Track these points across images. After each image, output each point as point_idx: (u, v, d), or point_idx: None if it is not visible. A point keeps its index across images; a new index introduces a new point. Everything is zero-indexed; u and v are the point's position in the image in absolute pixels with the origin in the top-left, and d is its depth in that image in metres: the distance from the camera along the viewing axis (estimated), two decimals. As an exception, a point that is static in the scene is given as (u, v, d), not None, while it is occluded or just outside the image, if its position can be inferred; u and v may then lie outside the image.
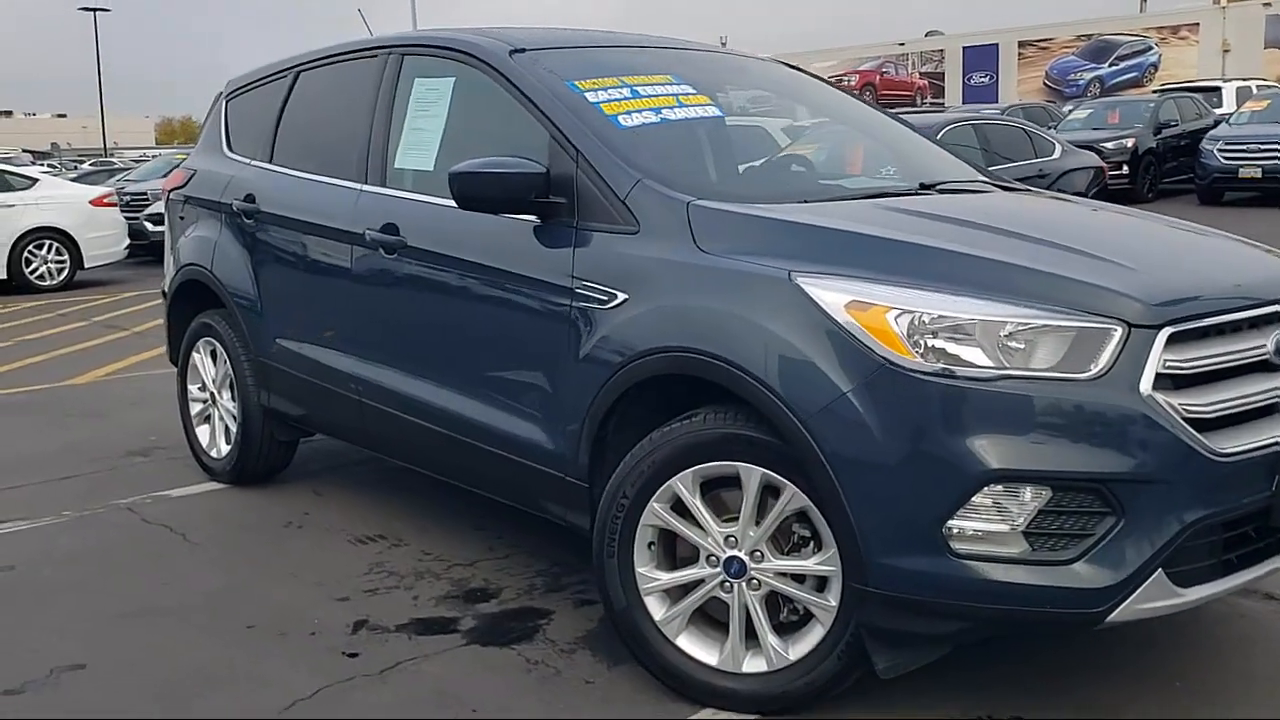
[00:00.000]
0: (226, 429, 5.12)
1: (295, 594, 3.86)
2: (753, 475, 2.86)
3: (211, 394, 5.16)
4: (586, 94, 3.59)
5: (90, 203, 13.82)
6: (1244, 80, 25.95)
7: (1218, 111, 22.59)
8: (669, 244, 3.08)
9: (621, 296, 3.12)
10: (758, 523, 2.89)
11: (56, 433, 6.27)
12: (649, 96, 3.67)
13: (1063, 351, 2.57)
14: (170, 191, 5.44)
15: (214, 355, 5.13)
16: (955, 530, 2.56)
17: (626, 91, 3.66)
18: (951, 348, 2.59)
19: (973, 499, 2.54)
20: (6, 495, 5.05)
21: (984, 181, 3.91)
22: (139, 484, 5.18)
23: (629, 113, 3.55)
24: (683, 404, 3.06)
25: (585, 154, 3.35)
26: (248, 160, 4.96)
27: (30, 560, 4.24)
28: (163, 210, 15.66)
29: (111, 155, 55.54)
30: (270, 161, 4.83)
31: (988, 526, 2.56)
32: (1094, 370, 2.55)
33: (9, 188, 13.43)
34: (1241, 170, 18.10)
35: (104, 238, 13.85)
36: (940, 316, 2.60)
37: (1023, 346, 2.58)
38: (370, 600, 3.78)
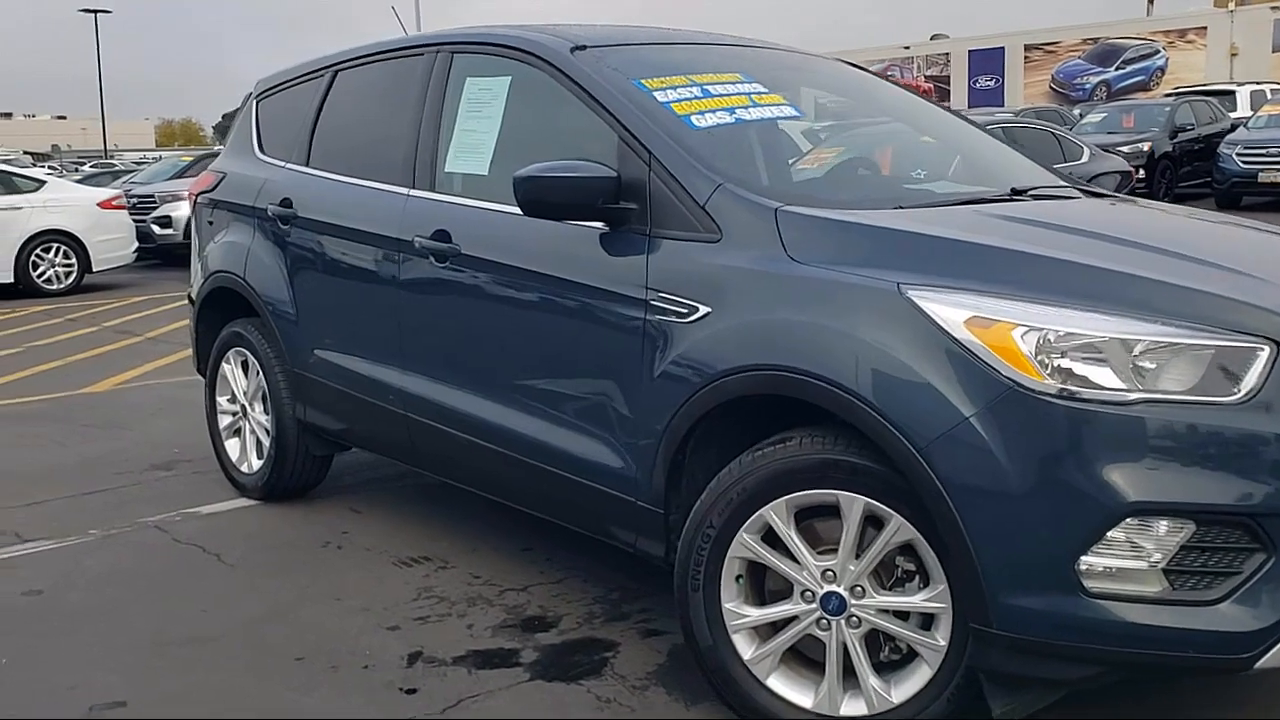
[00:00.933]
0: (258, 443, 4.91)
1: (342, 621, 3.65)
2: (854, 505, 2.65)
3: (242, 406, 4.95)
4: (655, 93, 3.38)
5: (98, 205, 13.61)
6: (1258, 84, 25.77)
7: (1233, 115, 22.42)
8: (757, 253, 2.87)
9: (704, 309, 2.91)
10: (858, 556, 2.68)
11: (75, 444, 6.05)
12: (720, 96, 3.46)
13: (1202, 372, 2.36)
14: (198, 195, 5.23)
15: (245, 366, 4.92)
16: (1088, 568, 2.36)
17: (696, 90, 3.45)
18: (1080, 368, 2.38)
19: (1108, 534, 2.33)
20: (29, 512, 4.84)
21: (1070, 186, 3.70)
22: (166, 500, 4.96)
23: (701, 113, 3.34)
24: (768, 425, 2.85)
25: (659, 157, 3.14)
26: (282, 163, 4.75)
27: (58, 583, 4.03)
28: (168, 214, 15.52)
29: (112, 157, 55.39)
30: (307, 164, 4.62)
31: (1124, 564, 2.35)
32: (1240, 393, 2.34)
33: (16, 190, 13.22)
34: (1261, 175, 17.92)
35: (112, 241, 13.64)
36: (1071, 334, 2.39)
37: (1156, 367, 2.37)
38: (423, 629, 3.57)
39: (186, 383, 7.59)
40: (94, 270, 13.51)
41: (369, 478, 5.25)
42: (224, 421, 5.09)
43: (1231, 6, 40.21)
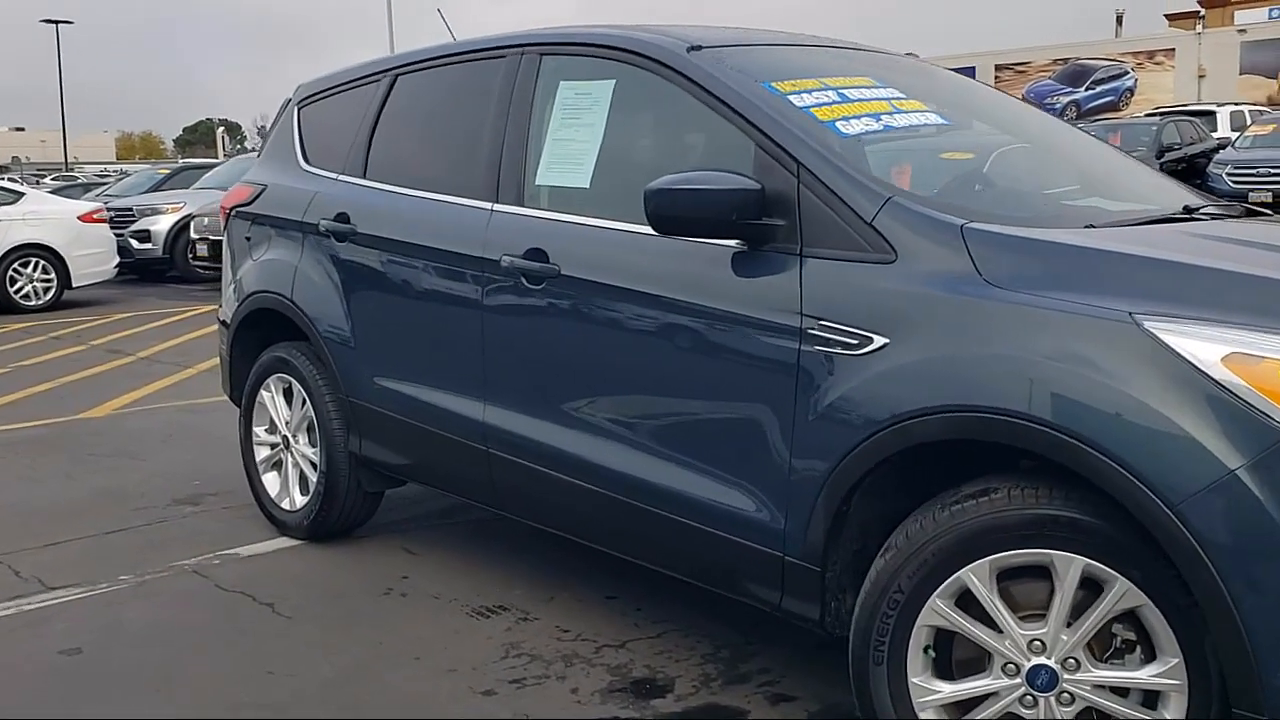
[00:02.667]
0: (302, 478, 4.51)
1: (429, 685, 3.27)
2: (1071, 566, 2.31)
3: (284, 438, 4.55)
4: (790, 97, 3.05)
5: (79, 219, 13.08)
6: (1236, 105, 25.91)
7: (1215, 135, 22.47)
8: (943, 276, 2.54)
9: (879, 340, 2.57)
10: (1070, 624, 2.35)
11: (85, 475, 5.62)
12: (859, 101, 3.14)
13: None
14: (232, 209, 4.83)
15: (288, 394, 4.52)
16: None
17: (832, 95, 3.13)
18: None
19: None
20: (52, 555, 4.41)
21: (1227, 205, 3.40)
22: (199, 540, 4.55)
23: (845, 119, 3.01)
24: (951, 470, 2.52)
25: (810, 167, 2.80)
26: (334, 175, 4.37)
27: (97, 640, 3.62)
28: (147, 227, 14.98)
29: (72, 170, 54.39)
30: (364, 176, 4.24)
31: None
32: None
33: (-7, 203, 12.69)
34: (1252, 195, 17.85)
35: (93, 255, 13.12)
36: None
37: None
38: (522, 694, 3.20)
39: (192, 407, 7.20)
40: (74, 286, 12.98)
41: (414, 514, 4.87)
42: (261, 453, 4.68)
43: (1199, 29, 40.58)
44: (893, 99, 3.22)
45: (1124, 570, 2.27)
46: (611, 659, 3.41)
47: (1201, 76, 37.48)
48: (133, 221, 15.82)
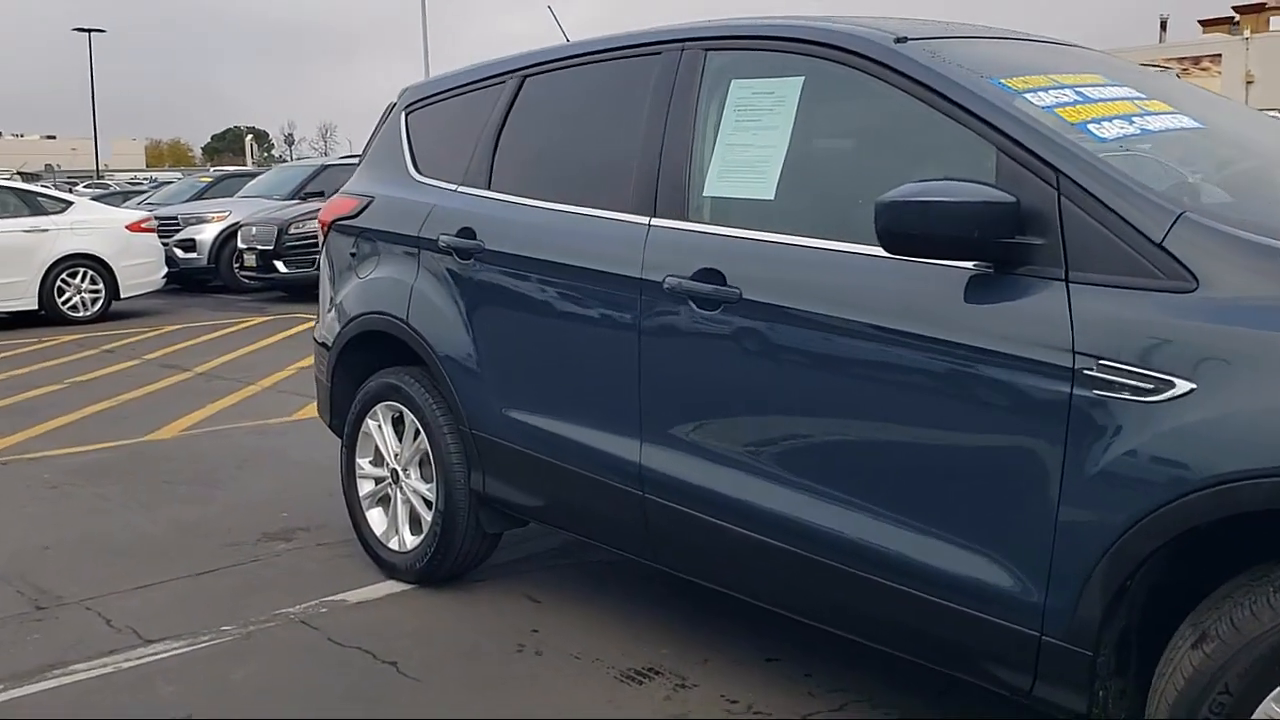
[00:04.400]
0: (413, 515, 4.11)
1: (596, 769, 2.86)
2: None
3: (393, 471, 4.16)
4: (1026, 95, 2.63)
5: (127, 228, 12.77)
6: (1294, 110, 25.28)
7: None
8: (1259, 308, 2.11)
9: (1183, 386, 2.14)
10: None
11: (162, 506, 5.24)
12: (1101, 101, 2.71)
13: None
14: (334, 223, 4.44)
15: (398, 423, 4.13)
16: None
17: (1070, 93, 2.71)
18: None
19: None
20: (142, 600, 4.03)
21: None
22: (300, 583, 4.16)
23: (1096, 120, 2.59)
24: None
25: (1073, 177, 2.38)
26: (451, 186, 3.98)
27: (210, 705, 3.23)
28: (192, 236, 14.71)
29: (103, 177, 54.46)
30: (488, 187, 3.84)
31: None
32: None
33: (41, 211, 12.39)
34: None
35: (141, 265, 12.81)
36: None
37: None
38: (706, 781, 2.78)
39: (263, 429, 6.84)
40: (122, 297, 12.66)
41: (527, 553, 4.46)
42: (365, 488, 4.29)
43: (1247, 33, 39.89)
44: (1134, 99, 2.79)
45: None
46: (796, 736, 2.99)
47: (1249, 82, 36.82)
48: (177, 230, 15.54)
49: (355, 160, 18.10)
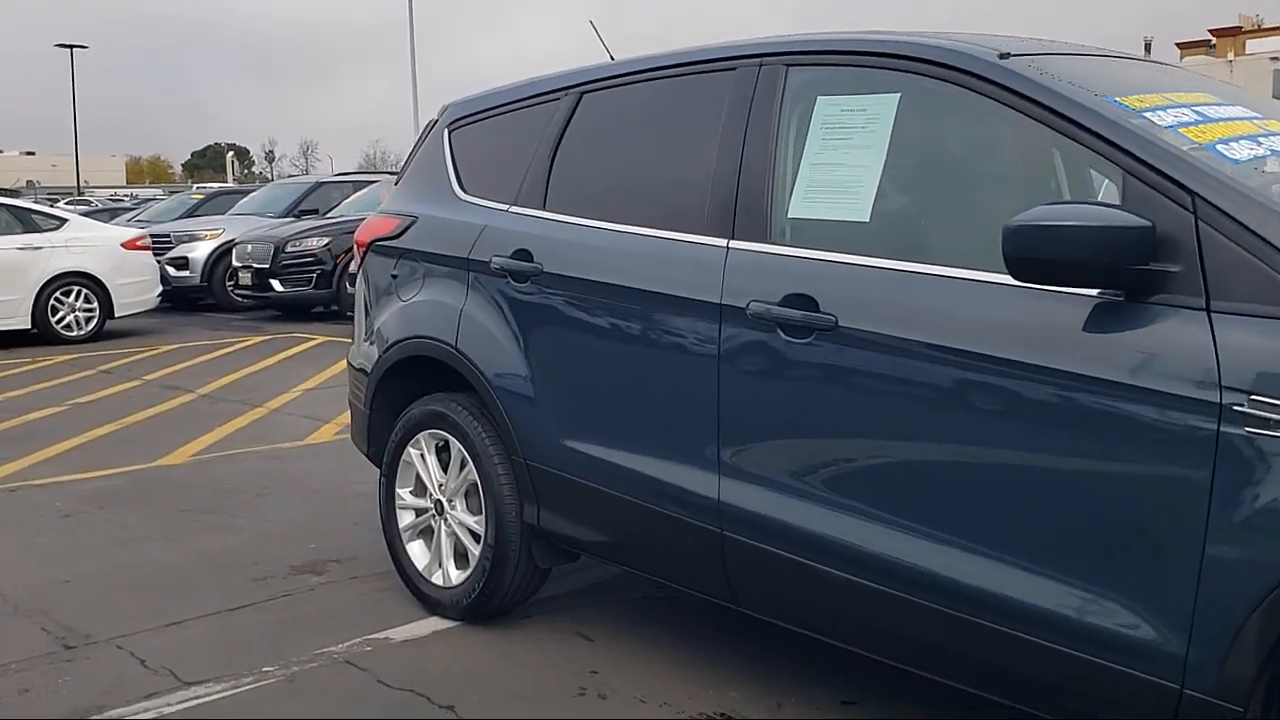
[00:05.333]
0: (457, 549, 3.94)
1: (684, 825, 2.69)
2: None
3: (437, 503, 3.99)
4: (1146, 114, 2.50)
5: (122, 245, 12.56)
6: None
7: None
8: None
9: (1348, 424, 2.00)
10: None
11: (183, 536, 5.05)
12: (1222, 121, 2.59)
13: None
14: (373, 243, 4.28)
15: (442, 452, 3.96)
16: None
17: (1189, 113, 2.58)
18: None
19: None
20: (174, 639, 3.84)
21: None
22: (339, 620, 3.98)
23: (1224, 141, 2.46)
24: None
25: (1211, 200, 2.25)
26: (503, 206, 3.82)
27: (262, 755, 3.05)
28: (185, 254, 14.46)
29: (83, 194, 54.01)
30: (543, 208, 3.69)
31: None
32: None
33: (35, 228, 12.16)
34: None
35: (137, 284, 12.59)
36: None
37: None
38: (804, 839, 2.62)
39: (277, 453, 6.66)
40: (116, 316, 12.43)
41: (570, 587, 4.29)
42: (405, 519, 4.11)
43: (1231, 56, 40.26)
44: (1252, 118, 2.67)
45: None
46: (889, 789, 2.83)
47: (1231, 104, 37.16)
48: (169, 248, 15.34)
49: (350, 178, 18.00)
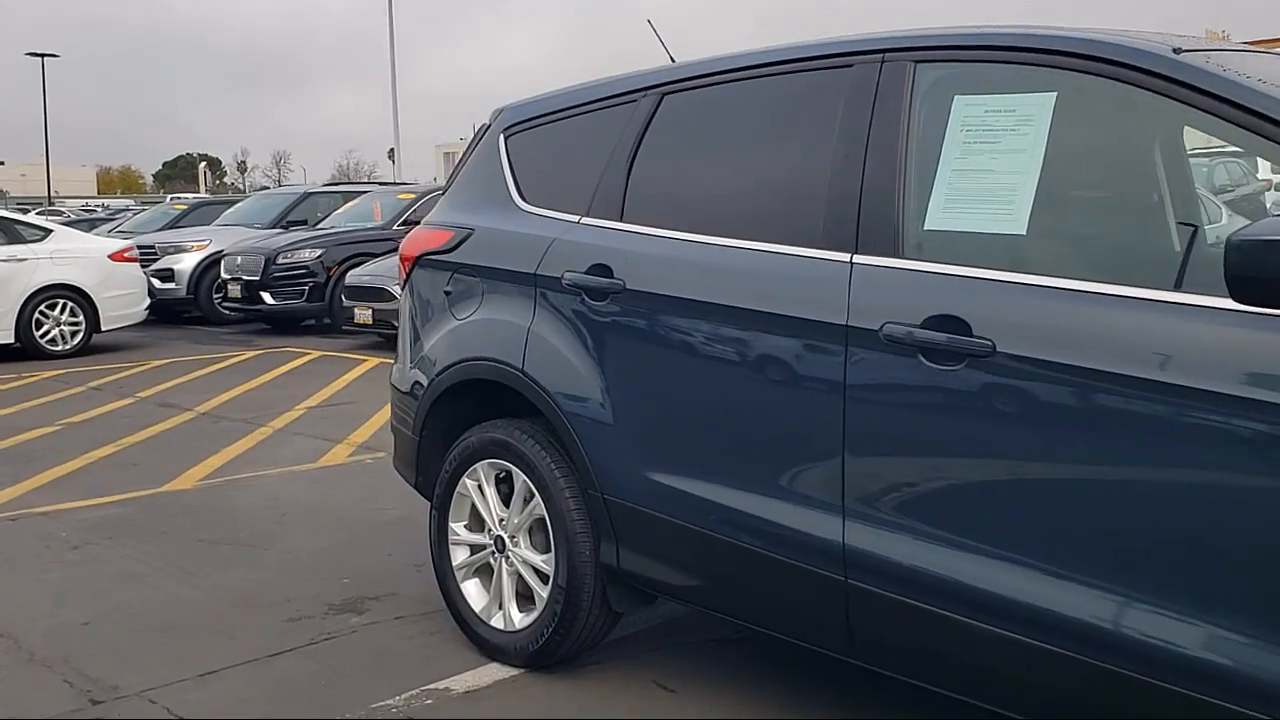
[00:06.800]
0: (520, 590, 3.61)
1: None
2: None
3: (497, 539, 3.65)
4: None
5: (109, 257, 12.13)
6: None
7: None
8: None
9: None
10: None
11: (203, 569, 4.69)
12: None
13: None
14: (422, 257, 3.95)
15: (504, 484, 3.63)
16: None
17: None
18: None
19: None
20: (212, 689, 3.49)
21: None
22: (389, 667, 3.64)
23: None
24: None
25: None
26: (573, 218, 3.50)
27: (331, 833, 2.70)
28: (170, 266, 14.03)
29: (54, 204, 53.24)
30: (621, 219, 3.38)
31: None
32: None
33: (19, 239, 11.72)
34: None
35: (124, 297, 12.16)
36: None
37: None
38: None
39: (290, 476, 6.31)
40: (103, 330, 12.00)
41: (637, 630, 3.95)
42: (459, 555, 3.78)
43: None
44: None
45: None
46: None
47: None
48: (154, 259, 14.89)
49: (339, 188, 17.61)
